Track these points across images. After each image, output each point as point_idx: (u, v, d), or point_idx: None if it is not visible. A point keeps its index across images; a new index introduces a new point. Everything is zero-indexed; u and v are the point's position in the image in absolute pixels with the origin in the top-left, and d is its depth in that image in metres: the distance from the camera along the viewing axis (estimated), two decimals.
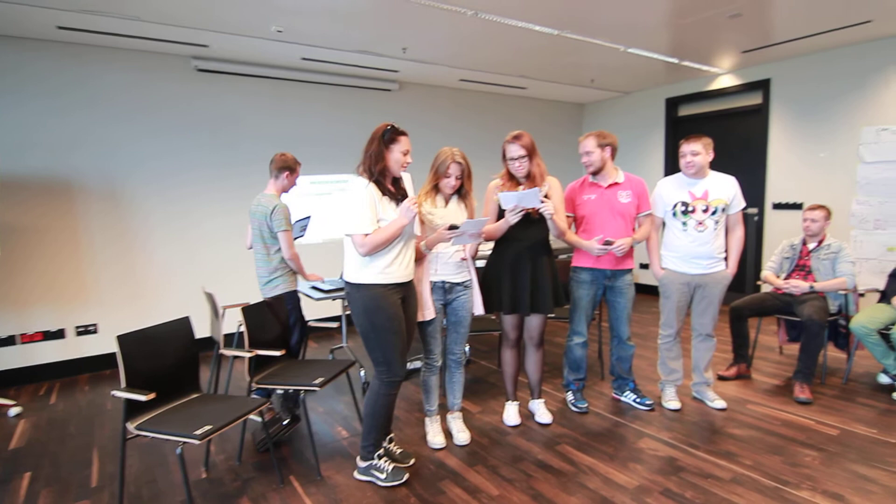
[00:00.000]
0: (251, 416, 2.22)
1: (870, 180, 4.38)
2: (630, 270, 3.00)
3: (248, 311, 2.65)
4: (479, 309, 2.62)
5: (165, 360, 2.29)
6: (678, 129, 5.95)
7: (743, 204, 2.93)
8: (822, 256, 3.42)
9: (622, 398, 3.22)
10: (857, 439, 2.64)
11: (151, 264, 4.21)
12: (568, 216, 2.98)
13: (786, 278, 3.51)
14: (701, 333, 3.07)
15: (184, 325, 2.41)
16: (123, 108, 4.00)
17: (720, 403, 3.06)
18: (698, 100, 5.70)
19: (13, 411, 3.29)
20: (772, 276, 3.58)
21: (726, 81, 5.38)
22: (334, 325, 3.05)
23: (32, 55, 3.66)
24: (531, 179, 2.69)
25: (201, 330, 3.48)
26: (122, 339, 2.09)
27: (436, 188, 2.53)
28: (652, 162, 6.06)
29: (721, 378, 3.50)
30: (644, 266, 6.25)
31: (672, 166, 5.94)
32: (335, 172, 5.03)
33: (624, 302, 2.99)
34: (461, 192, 2.55)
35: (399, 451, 2.51)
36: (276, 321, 2.82)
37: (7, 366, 3.76)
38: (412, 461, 2.49)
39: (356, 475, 2.40)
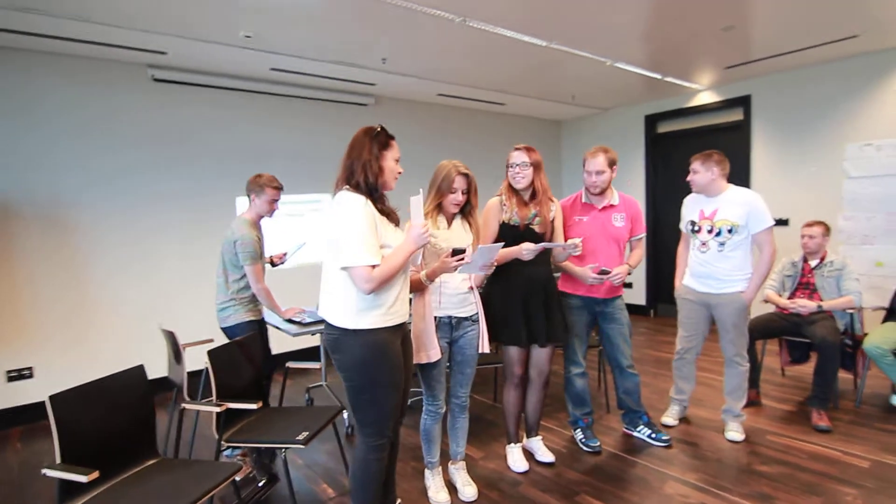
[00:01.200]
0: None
1: (856, 196, 4.36)
2: (621, 296, 2.83)
3: (216, 353, 2.25)
4: (485, 347, 2.30)
5: (115, 420, 1.87)
6: (658, 146, 5.88)
7: (767, 222, 2.70)
8: (825, 274, 3.30)
9: (635, 433, 2.96)
10: (891, 471, 2.46)
11: (100, 297, 3.70)
12: None
13: (789, 297, 3.37)
14: (726, 358, 2.91)
15: (137, 375, 2.00)
16: (70, 122, 3.53)
17: (734, 436, 2.85)
18: (678, 116, 5.65)
19: None
20: (775, 295, 3.43)
21: (706, 98, 5.35)
22: (316, 364, 2.67)
23: None
24: (536, 197, 2.45)
25: (157, 370, 3.04)
26: (57, 400, 1.68)
27: (438, 207, 2.23)
28: (633, 179, 5.95)
29: None
30: (627, 285, 6.10)
31: (653, 184, 5.86)
32: (307, 192, 4.66)
33: (618, 328, 2.78)
34: (465, 209, 2.26)
35: None
36: (248, 364, 2.42)
37: None
38: None
39: None
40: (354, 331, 1.77)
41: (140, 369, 2.00)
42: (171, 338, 2.75)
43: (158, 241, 3.92)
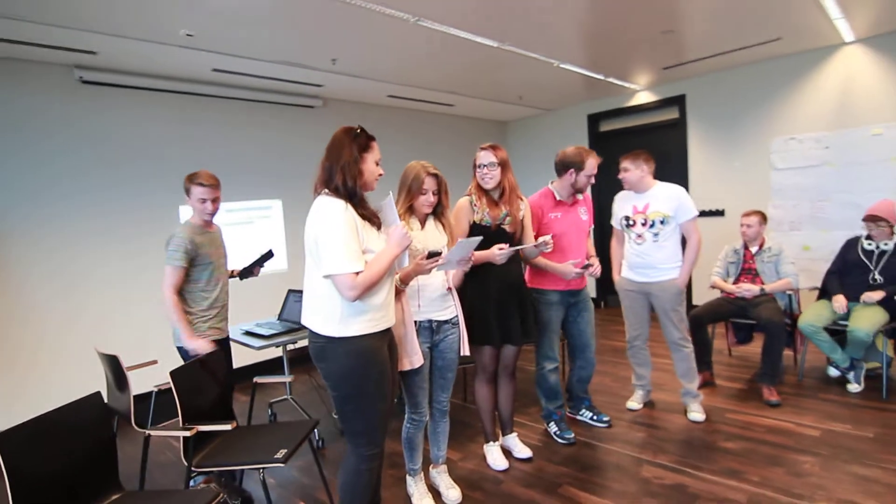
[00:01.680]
0: None
1: (782, 186, 4.72)
2: (585, 286, 2.94)
3: (179, 374, 2.09)
4: (466, 349, 2.27)
5: (70, 456, 1.68)
6: (601, 143, 6.10)
7: (692, 213, 2.93)
8: (765, 259, 3.54)
9: (578, 416, 3.11)
10: (840, 438, 2.66)
11: (27, 318, 3.34)
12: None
13: (734, 282, 3.59)
14: (669, 342, 3.05)
15: (93, 402, 1.81)
16: None
17: (696, 416, 3.00)
18: (619, 115, 5.89)
19: None
20: (721, 281, 3.64)
21: (644, 98, 5.61)
22: (288, 378, 2.55)
23: None
24: (504, 195, 2.47)
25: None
26: (3, 439, 1.48)
27: (409, 209, 2.18)
28: None
29: None
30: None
31: (598, 181, 6.05)
32: (253, 198, 4.46)
33: (587, 317, 2.91)
34: (437, 210, 2.23)
35: None
36: (213, 382, 2.27)
37: None
38: None
39: None
40: (340, 338, 1.69)
41: (97, 397, 1.81)
42: (114, 362, 2.51)
43: (89, 255, 3.59)
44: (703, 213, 5.24)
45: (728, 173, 5.07)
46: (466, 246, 2.00)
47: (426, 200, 2.14)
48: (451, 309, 2.24)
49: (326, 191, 1.74)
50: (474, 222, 2.43)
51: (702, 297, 4.95)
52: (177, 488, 2.10)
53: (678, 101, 5.33)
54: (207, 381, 2.24)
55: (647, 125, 5.70)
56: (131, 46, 3.23)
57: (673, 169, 5.42)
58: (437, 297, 2.18)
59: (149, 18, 2.89)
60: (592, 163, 2.76)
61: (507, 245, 2.35)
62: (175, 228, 2.55)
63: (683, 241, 3.00)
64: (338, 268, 1.62)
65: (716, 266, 3.75)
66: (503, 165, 2.43)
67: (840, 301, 3.27)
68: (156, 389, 2.32)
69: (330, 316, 1.70)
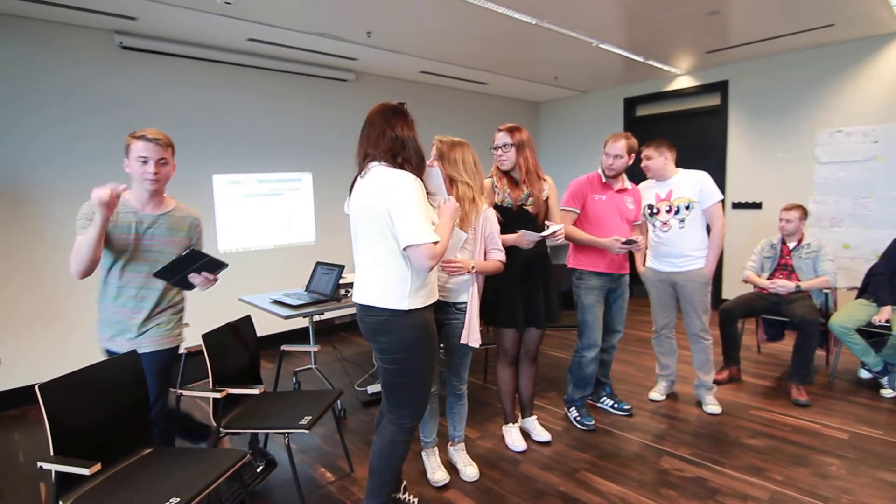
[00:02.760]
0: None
1: (826, 180, 4.54)
2: (628, 273, 2.92)
3: (210, 338, 2.14)
4: (472, 340, 2.14)
5: (108, 410, 1.75)
6: (636, 129, 5.93)
7: (717, 197, 2.87)
8: (803, 255, 3.42)
9: (598, 404, 3.10)
10: (868, 442, 2.59)
11: (63, 279, 3.46)
12: (572, 212, 2.77)
13: (768, 278, 3.49)
14: (691, 334, 3.00)
15: (129, 362, 1.87)
16: (26, 90, 3.25)
17: (713, 409, 2.97)
18: (656, 100, 5.71)
19: None
20: (755, 276, 3.54)
21: (685, 82, 5.42)
22: (314, 348, 2.59)
23: None
24: (524, 176, 2.45)
25: None
26: (46, 389, 1.55)
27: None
28: None
29: (714, 382, 3.40)
30: None
31: (630, 167, 5.93)
32: (283, 170, 4.49)
33: (621, 303, 2.92)
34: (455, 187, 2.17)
35: (416, 501, 2.11)
36: (243, 348, 2.32)
37: None
38: None
39: None
40: (405, 311, 1.73)
41: (133, 355, 1.87)
42: None
43: None
44: (739, 205, 5.11)
45: (768, 165, 4.90)
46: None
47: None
48: (463, 296, 2.18)
49: (384, 162, 1.72)
50: (496, 204, 2.41)
51: (733, 290, 4.84)
52: (204, 447, 2.16)
53: (720, 87, 5.14)
54: (237, 347, 2.29)
55: (685, 111, 5.52)
56: (170, 13, 3.25)
57: (710, 158, 5.27)
58: (450, 280, 2.16)
59: None
60: (612, 143, 2.75)
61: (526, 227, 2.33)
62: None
63: (708, 230, 2.94)
64: (421, 237, 1.63)
65: (750, 260, 3.64)
66: (519, 147, 2.41)
67: (885, 314, 3.15)
68: (185, 352, 2.38)
69: (396, 290, 1.72)
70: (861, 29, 4.04)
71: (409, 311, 1.72)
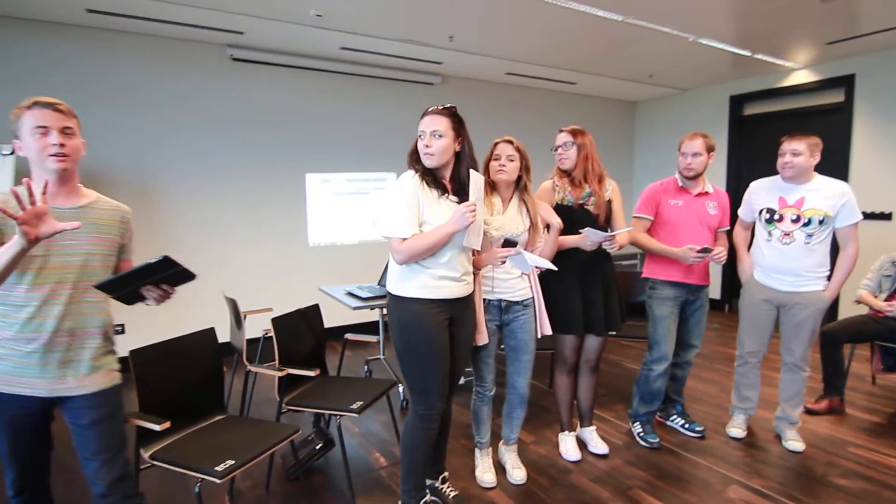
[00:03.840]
0: None
1: None
2: (708, 286, 2.71)
3: (280, 322, 2.36)
4: (546, 329, 2.25)
5: (187, 377, 2.01)
6: (744, 129, 5.46)
7: (857, 217, 2.47)
8: None
9: (668, 422, 2.91)
10: None
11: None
12: (645, 218, 2.65)
13: (887, 299, 3.05)
14: (787, 362, 2.65)
15: (208, 337, 2.13)
16: (154, 99, 3.78)
17: (796, 446, 2.62)
18: (769, 97, 5.19)
19: None
20: (869, 295, 3.12)
21: (802, 77, 4.87)
22: (373, 338, 2.74)
23: (62, 40, 3.47)
24: (586, 175, 2.40)
25: (222, 335, 3.25)
26: (137, 354, 1.82)
27: (491, 187, 2.18)
28: (713, 165, 5.55)
29: (809, 412, 3.04)
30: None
31: (736, 170, 5.46)
32: (373, 170, 4.74)
33: (700, 316, 2.72)
34: (519, 185, 2.19)
35: (453, 493, 2.17)
36: (309, 333, 2.52)
37: None
38: None
39: None
40: (397, 297, 1.89)
41: (211, 332, 2.13)
42: (234, 305, 2.91)
43: (228, 211, 4.13)
44: (865, 216, 4.48)
45: None
46: (529, 259, 1.98)
47: (495, 166, 2.14)
48: (525, 291, 2.21)
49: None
50: (557, 203, 2.38)
51: (843, 312, 4.28)
52: (269, 420, 2.38)
53: (845, 83, 4.55)
54: (304, 332, 2.50)
55: (801, 109, 4.95)
56: (271, 26, 3.59)
57: (831, 162, 4.67)
58: (511, 279, 2.17)
59: (283, 1, 3.18)
60: (688, 142, 2.58)
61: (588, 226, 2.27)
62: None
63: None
64: (389, 231, 1.82)
65: (865, 278, 3.21)
66: (580, 147, 2.38)
67: None
68: (264, 334, 2.64)
69: (394, 275, 1.91)
70: None
71: (400, 297, 1.87)
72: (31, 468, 1.55)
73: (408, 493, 1.98)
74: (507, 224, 2.14)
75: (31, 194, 1.25)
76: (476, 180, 1.91)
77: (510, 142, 2.16)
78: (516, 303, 2.20)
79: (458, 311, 1.93)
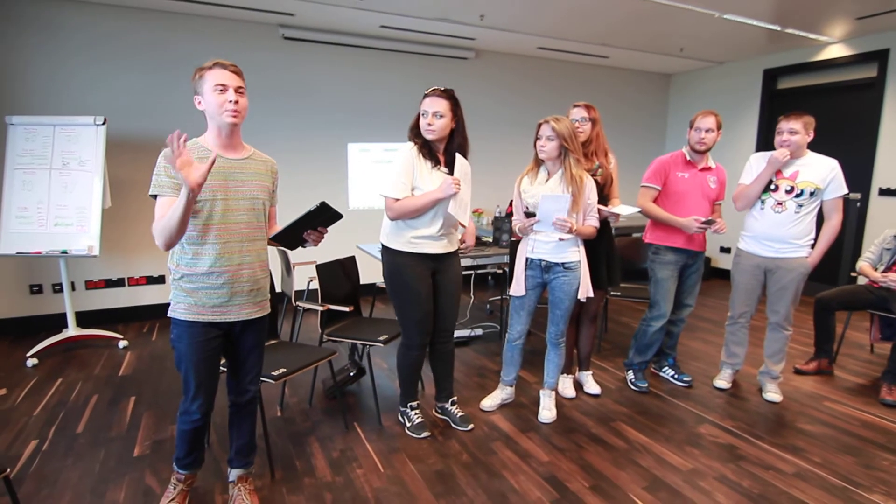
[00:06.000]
0: (322, 365, 2.41)
1: None
2: (704, 252, 2.99)
3: (322, 268, 2.83)
4: (588, 292, 2.51)
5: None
6: (777, 103, 5.47)
7: (843, 190, 2.68)
8: None
9: (660, 373, 3.25)
10: None
11: None
12: (652, 188, 2.92)
13: (884, 271, 3.22)
14: (772, 322, 2.92)
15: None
16: None
17: (773, 397, 2.92)
18: (802, 71, 5.19)
19: (122, 344, 3.75)
20: (868, 267, 3.29)
21: (836, 52, 4.85)
22: None
23: (136, 25, 3.97)
24: (593, 148, 2.74)
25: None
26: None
27: (536, 161, 2.53)
28: (744, 138, 5.64)
29: (798, 372, 3.31)
30: (725, 250, 5.92)
31: (765, 143, 5.52)
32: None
33: (696, 278, 3.02)
34: (565, 161, 2.38)
35: (460, 414, 2.62)
36: (346, 279, 2.99)
37: (117, 304, 4.27)
38: (470, 426, 2.57)
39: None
40: (385, 248, 2.35)
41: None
42: (285, 256, 3.40)
43: (282, 185, 4.63)
44: (887, 192, 4.55)
45: None
46: (553, 202, 2.28)
47: (539, 146, 2.43)
48: (567, 255, 2.47)
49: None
50: None
51: (840, 281, 4.39)
52: (313, 345, 2.88)
53: (879, 57, 4.53)
54: (342, 277, 2.96)
55: (833, 84, 4.96)
56: (319, 8, 3.98)
57: (859, 137, 4.73)
58: (549, 243, 2.47)
59: None
60: (702, 119, 2.79)
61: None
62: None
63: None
64: (383, 190, 2.23)
65: (868, 251, 3.37)
66: (594, 122, 2.69)
67: None
68: (309, 281, 3.12)
69: (384, 229, 2.35)
70: None
71: (388, 248, 2.31)
72: (213, 392, 1.78)
73: (401, 396, 2.60)
74: (542, 193, 2.41)
75: (178, 145, 1.43)
76: (461, 164, 2.31)
77: (546, 122, 2.38)
78: (557, 264, 2.49)
79: (439, 263, 2.36)
